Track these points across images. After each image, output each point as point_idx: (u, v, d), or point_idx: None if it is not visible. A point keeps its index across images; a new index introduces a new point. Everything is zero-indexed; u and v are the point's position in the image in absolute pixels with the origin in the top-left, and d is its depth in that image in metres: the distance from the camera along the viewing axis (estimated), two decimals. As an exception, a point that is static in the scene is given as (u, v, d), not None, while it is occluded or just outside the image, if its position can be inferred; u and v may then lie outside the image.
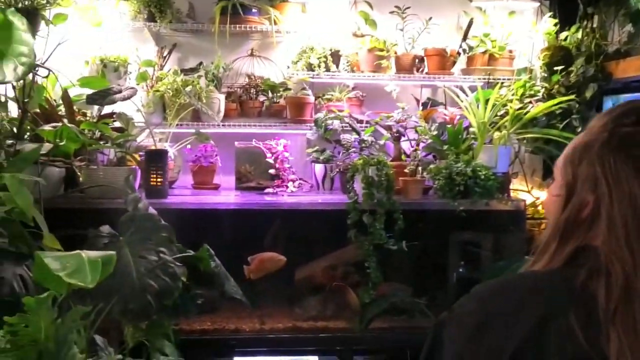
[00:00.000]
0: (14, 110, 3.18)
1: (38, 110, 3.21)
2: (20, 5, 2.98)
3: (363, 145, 3.48)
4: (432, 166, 3.33)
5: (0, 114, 2.88)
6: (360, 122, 3.69)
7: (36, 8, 3.06)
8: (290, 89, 3.89)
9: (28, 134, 3.05)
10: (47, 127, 2.81)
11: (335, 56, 3.83)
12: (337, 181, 3.62)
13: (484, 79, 3.78)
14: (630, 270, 0.92)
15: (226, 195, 3.55)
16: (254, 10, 3.77)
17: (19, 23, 2.13)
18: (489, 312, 0.98)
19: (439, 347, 1.00)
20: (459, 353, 0.96)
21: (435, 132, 3.50)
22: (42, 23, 3.04)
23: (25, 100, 3.14)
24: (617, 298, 0.90)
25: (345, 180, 3.31)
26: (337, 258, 3.55)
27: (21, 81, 3.18)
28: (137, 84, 3.73)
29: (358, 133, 3.57)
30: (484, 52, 3.83)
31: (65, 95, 3.23)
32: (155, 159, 3.30)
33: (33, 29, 3.03)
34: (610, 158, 0.98)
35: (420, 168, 3.42)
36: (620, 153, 0.98)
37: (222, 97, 3.76)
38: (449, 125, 3.47)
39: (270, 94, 3.89)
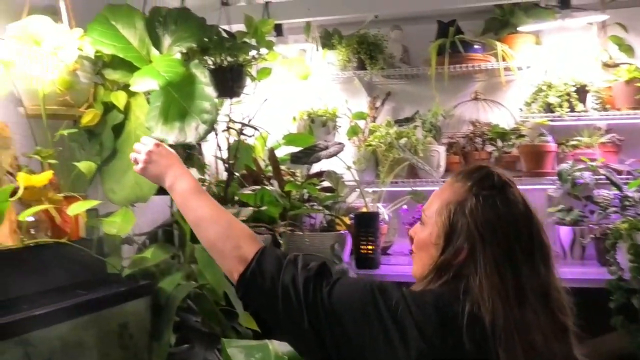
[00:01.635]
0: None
1: (245, 172, 3.04)
2: (224, 63, 2.81)
3: (626, 203, 2.72)
4: None
5: (204, 176, 2.70)
6: (620, 172, 2.92)
7: (241, 65, 2.87)
8: (524, 136, 3.24)
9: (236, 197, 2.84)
10: (247, 190, 2.54)
11: (582, 92, 3.12)
12: (590, 249, 2.88)
13: None
14: (499, 314, 1.17)
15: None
16: (476, 46, 3.23)
17: (202, 76, 1.87)
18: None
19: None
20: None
21: None
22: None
23: (231, 161, 2.96)
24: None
25: (602, 248, 2.62)
26: (593, 349, 2.75)
27: (226, 140, 3.04)
28: (348, 139, 3.39)
29: (619, 187, 2.80)
30: None
31: (271, 155, 2.99)
32: (366, 222, 2.89)
33: (238, 85, 2.85)
34: (479, 215, 1.24)
35: None
36: (487, 211, 1.24)
37: (442, 148, 3.25)
38: None
39: (499, 143, 3.27)
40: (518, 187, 1.31)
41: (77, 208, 1.78)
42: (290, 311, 1.25)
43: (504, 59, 3.16)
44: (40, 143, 1.91)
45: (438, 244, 1.27)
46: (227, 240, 1.36)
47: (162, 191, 2.16)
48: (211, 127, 1.80)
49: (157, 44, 2.01)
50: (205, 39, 2.69)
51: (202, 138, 1.80)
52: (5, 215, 1.71)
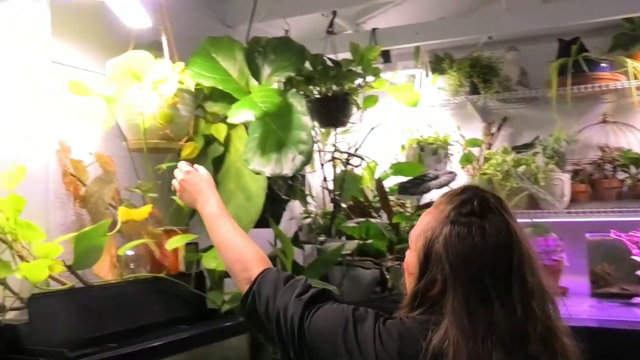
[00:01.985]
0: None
1: (352, 203, 2.94)
2: (329, 93, 2.75)
3: None
4: None
5: (306, 207, 2.64)
6: None
7: (347, 93, 2.80)
8: (661, 161, 2.90)
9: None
10: (352, 223, 2.44)
11: None
12: None
13: None
14: (463, 356, 1.06)
15: (577, 304, 2.68)
16: (603, 64, 2.95)
17: (298, 105, 1.80)
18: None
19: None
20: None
21: None
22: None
23: (337, 192, 2.88)
24: None
25: None
26: None
27: (332, 171, 2.97)
28: (461, 167, 3.20)
29: None
30: None
31: (379, 185, 2.87)
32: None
33: (344, 114, 2.77)
34: (453, 245, 1.11)
35: None
36: (461, 241, 1.11)
37: (567, 176, 2.97)
38: None
39: (633, 170, 2.95)
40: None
41: (175, 242, 1.76)
42: (280, 337, 1.26)
43: (635, 77, 2.85)
44: (141, 177, 1.92)
45: (414, 272, 1.19)
46: (238, 263, 1.41)
47: (262, 224, 2.12)
48: (308, 158, 1.72)
49: (256, 75, 1.98)
50: (309, 68, 2.68)
51: (299, 170, 1.72)
52: (105, 250, 1.71)
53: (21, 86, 1.64)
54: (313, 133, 2.80)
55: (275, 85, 1.85)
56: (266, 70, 1.97)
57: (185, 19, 2.46)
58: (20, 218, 1.48)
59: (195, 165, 1.62)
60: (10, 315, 1.49)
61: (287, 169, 1.73)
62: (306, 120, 1.77)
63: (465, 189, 1.20)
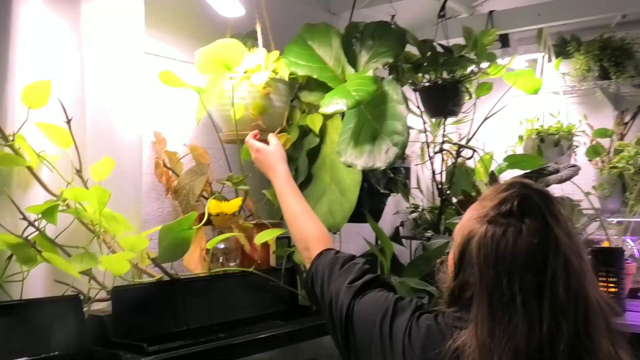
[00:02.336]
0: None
1: (462, 198, 2.76)
2: (439, 81, 2.59)
3: None
4: None
5: (407, 202, 2.50)
6: None
7: (458, 81, 2.62)
8: None
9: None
10: (456, 219, 2.27)
11: None
12: None
13: None
14: None
15: None
16: None
17: (394, 93, 1.67)
18: None
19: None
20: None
21: None
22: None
23: (446, 186, 2.72)
24: None
25: None
26: None
27: (443, 163, 2.80)
28: (588, 160, 2.92)
29: None
30: None
31: (493, 179, 2.67)
32: (607, 259, 2.39)
33: (454, 103, 2.61)
34: (485, 247, 1.01)
35: None
36: (493, 244, 1.00)
37: None
38: None
39: None
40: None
41: (264, 237, 1.70)
42: (332, 322, 1.26)
43: None
44: (234, 169, 1.88)
45: (450, 271, 1.12)
46: (301, 241, 1.45)
47: (359, 219, 2.02)
48: (402, 150, 1.60)
49: (353, 62, 1.87)
50: (418, 55, 2.53)
51: (392, 163, 1.60)
52: (195, 242, 1.69)
53: (115, 78, 1.65)
54: (421, 123, 2.68)
55: (370, 73, 1.73)
56: (363, 57, 1.86)
57: (289, 7, 2.40)
58: (113, 210, 1.48)
59: (270, 136, 1.64)
60: (100, 306, 1.50)
61: (380, 162, 1.61)
62: (402, 109, 1.64)
63: (510, 185, 1.08)
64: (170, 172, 1.81)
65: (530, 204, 1.03)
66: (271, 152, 1.60)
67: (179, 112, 1.96)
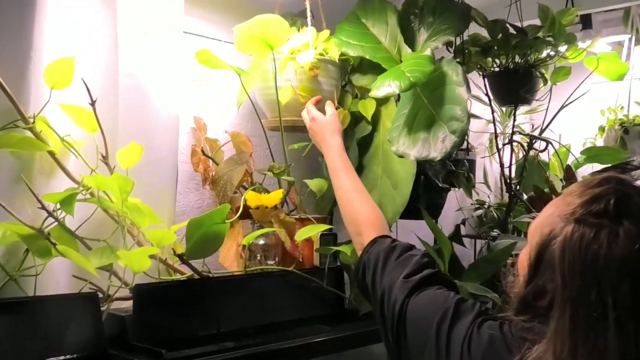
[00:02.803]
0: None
1: (534, 194, 2.52)
2: (510, 65, 2.36)
3: None
4: None
5: (471, 198, 2.28)
6: None
7: (532, 65, 2.38)
8: None
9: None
10: (526, 217, 2.05)
11: None
12: None
13: None
14: None
15: None
16: None
17: (453, 74, 1.47)
18: None
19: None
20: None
21: None
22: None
23: (515, 181, 2.48)
24: None
25: None
26: None
27: (514, 156, 2.56)
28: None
29: None
30: None
31: (569, 174, 2.42)
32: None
33: (527, 90, 2.37)
34: (571, 251, 0.86)
35: None
36: (582, 247, 0.85)
37: None
38: None
39: None
40: None
41: (305, 233, 1.55)
42: (382, 319, 1.14)
43: None
44: (278, 159, 1.74)
45: (523, 274, 0.96)
46: (352, 224, 1.32)
47: (414, 215, 1.84)
48: (461, 138, 1.40)
49: (410, 41, 1.68)
50: (487, 37, 2.31)
51: (450, 153, 1.40)
52: (230, 237, 1.56)
53: (151, 58, 1.53)
54: (490, 112, 2.45)
55: (429, 52, 1.54)
56: (422, 35, 1.67)
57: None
58: (144, 200, 1.37)
59: (327, 105, 1.53)
60: (124, 305, 1.38)
61: (436, 152, 1.42)
62: (461, 92, 1.44)
63: (604, 180, 0.91)
64: (209, 160, 1.68)
65: (629, 204, 0.87)
66: (327, 122, 1.48)
67: (222, 97, 1.83)
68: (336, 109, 1.58)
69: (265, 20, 1.49)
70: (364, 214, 1.30)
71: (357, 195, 1.33)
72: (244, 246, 1.55)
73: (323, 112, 1.52)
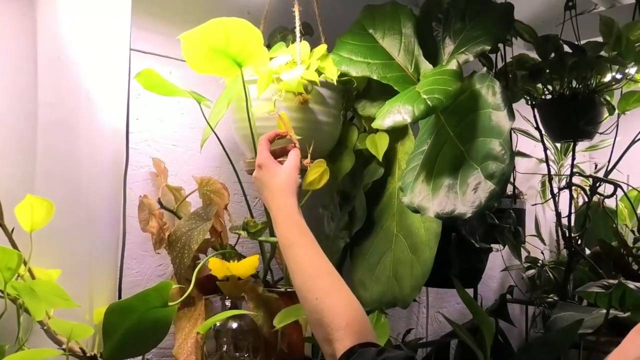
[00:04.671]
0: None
1: (599, 249, 2.04)
2: (566, 91, 1.92)
3: None
4: None
5: (520, 258, 1.81)
6: None
7: (594, 91, 1.94)
8: None
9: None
10: (595, 287, 1.57)
11: None
12: None
13: None
14: None
15: None
16: None
17: (489, 94, 1.04)
18: None
19: None
20: None
21: None
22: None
23: (576, 234, 2.00)
24: None
25: None
26: None
27: (572, 202, 2.08)
28: None
29: None
30: None
31: (644, 224, 1.95)
32: None
33: (588, 121, 1.93)
34: None
35: None
36: None
37: None
38: None
39: None
40: None
41: (288, 316, 1.12)
42: None
43: None
44: (256, 211, 1.33)
45: None
46: (318, 327, 0.93)
47: (444, 283, 1.40)
48: (501, 186, 0.95)
49: (432, 54, 1.26)
50: (536, 58, 1.88)
51: (485, 207, 0.96)
52: (187, 321, 1.15)
53: (84, 82, 1.15)
54: (541, 149, 2.01)
55: (454, 65, 1.12)
56: (448, 47, 1.25)
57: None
58: (67, 274, 0.98)
59: (291, 148, 1.11)
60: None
61: (465, 205, 0.98)
62: (500, 119, 1.00)
63: None
64: (164, 216, 1.27)
65: None
66: (281, 173, 1.06)
67: (192, 130, 1.44)
68: (307, 156, 1.16)
69: (227, 24, 1.08)
70: (333, 311, 0.90)
71: (322, 282, 0.94)
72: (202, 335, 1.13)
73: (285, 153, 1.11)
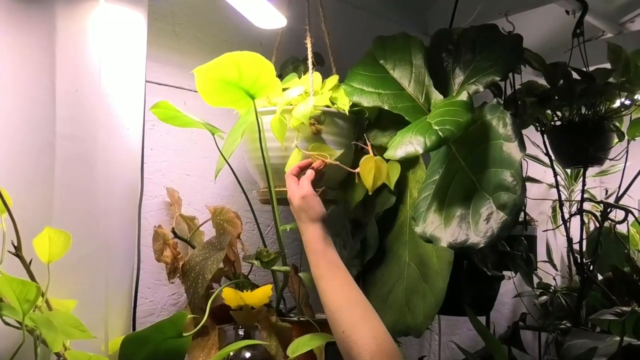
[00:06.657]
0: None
1: (611, 275, 2.03)
2: (576, 118, 1.94)
3: None
4: None
5: (532, 285, 1.80)
6: None
7: (603, 117, 1.95)
8: None
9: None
10: (609, 314, 1.57)
11: None
12: None
13: None
14: None
15: None
16: None
17: (499, 125, 1.05)
18: None
19: None
20: None
21: None
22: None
23: (587, 260, 1.99)
24: None
25: None
26: None
27: (584, 229, 2.07)
28: None
29: None
30: None
31: (656, 251, 1.93)
32: None
33: (597, 147, 1.93)
34: None
35: None
36: None
37: None
38: None
39: None
40: None
41: (302, 346, 1.13)
42: None
43: None
44: (268, 240, 1.34)
45: None
46: (347, 356, 0.93)
47: (454, 311, 1.40)
48: (514, 216, 0.96)
49: (443, 85, 1.28)
50: (545, 85, 1.90)
51: (498, 238, 0.97)
52: (201, 351, 1.15)
53: (101, 115, 1.17)
54: (551, 175, 2.01)
55: (464, 96, 1.13)
56: (458, 77, 1.27)
57: (365, 25, 1.89)
58: (82, 304, 0.99)
59: (305, 177, 1.15)
60: None
61: (478, 236, 0.99)
62: (511, 150, 1.01)
63: None
64: (178, 245, 1.29)
65: None
66: (315, 203, 1.10)
67: (205, 160, 1.46)
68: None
69: (239, 58, 1.10)
70: (358, 344, 0.92)
71: (347, 315, 0.96)
72: (218, 364, 1.13)
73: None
